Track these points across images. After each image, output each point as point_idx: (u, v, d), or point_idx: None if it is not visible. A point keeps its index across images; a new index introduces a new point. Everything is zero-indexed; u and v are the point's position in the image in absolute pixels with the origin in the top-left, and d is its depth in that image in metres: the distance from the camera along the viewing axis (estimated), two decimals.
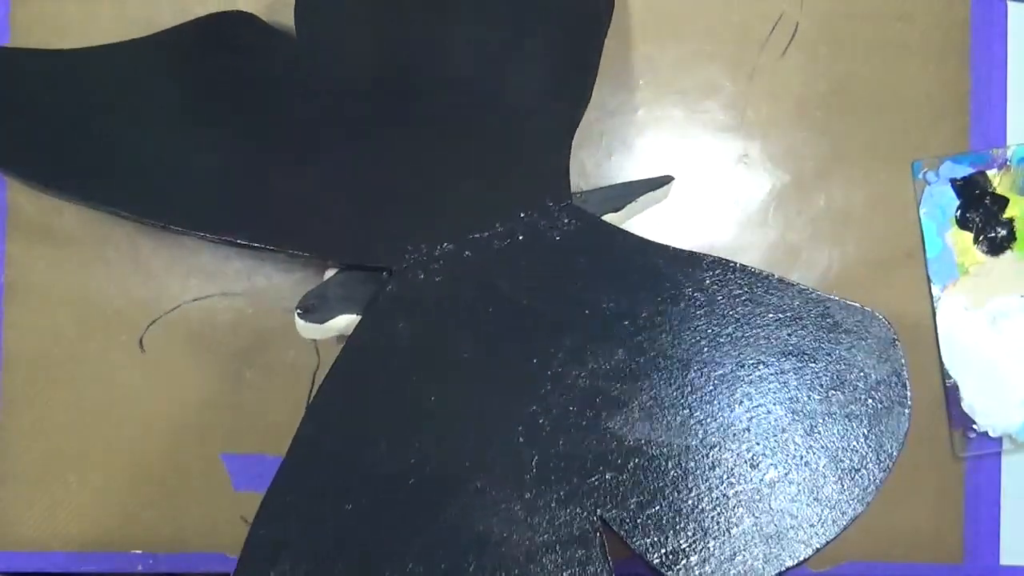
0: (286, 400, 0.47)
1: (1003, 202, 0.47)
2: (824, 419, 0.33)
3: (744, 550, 0.30)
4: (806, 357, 0.34)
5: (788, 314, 0.35)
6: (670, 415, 0.32)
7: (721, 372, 0.33)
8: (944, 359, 0.46)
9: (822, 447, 0.32)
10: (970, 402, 0.46)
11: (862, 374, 0.34)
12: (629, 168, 0.46)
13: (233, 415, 0.47)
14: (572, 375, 0.33)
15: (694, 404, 0.33)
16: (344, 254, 0.35)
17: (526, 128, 0.39)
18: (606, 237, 0.37)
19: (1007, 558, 0.47)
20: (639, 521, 0.31)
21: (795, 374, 0.34)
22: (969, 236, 0.47)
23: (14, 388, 0.47)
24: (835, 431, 0.33)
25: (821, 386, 0.34)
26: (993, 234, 0.46)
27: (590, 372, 0.33)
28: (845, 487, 0.32)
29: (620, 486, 0.31)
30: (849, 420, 0.33)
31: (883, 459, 0.33)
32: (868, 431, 0.33)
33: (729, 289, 0.35)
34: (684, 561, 0.30)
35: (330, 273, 0.36)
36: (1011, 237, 0.46)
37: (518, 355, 0.33)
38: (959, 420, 0.46)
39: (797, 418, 0.33)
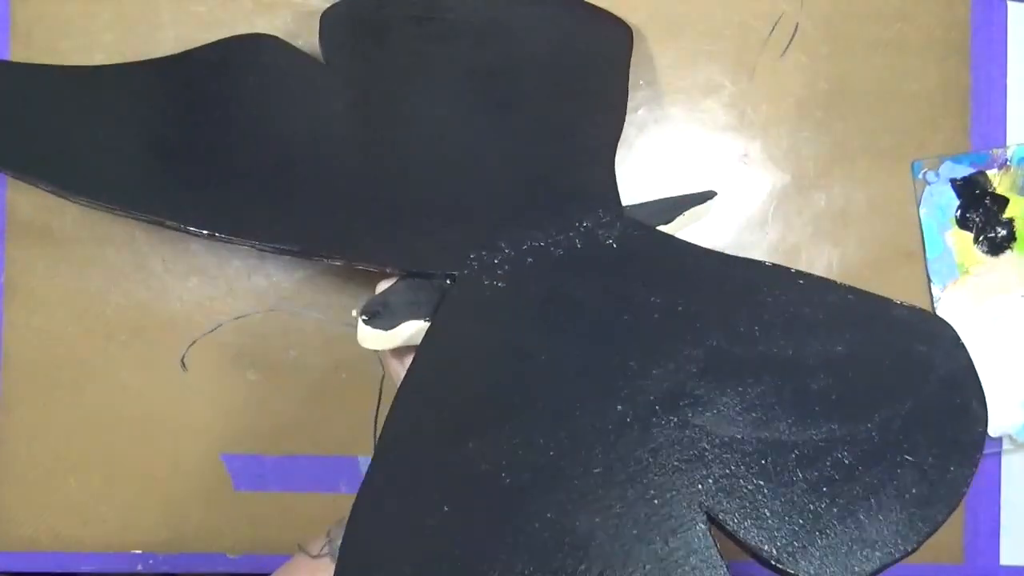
0: (286, 400, 0.47)
1: (1003, 202, 0.47)
2: (906, 421, 0.33)
3: (846, 550, 0.30)
4: (881, 359, 0.34)
5: (852, 316, 0.35)
6: (757, 413, 0.32)
7: (800, 371, 0.33)
8: None
9: (908, 453, 0.32)
10: None
11: (937, 374, 0.34)
12: (630, 168, 0.46)
13: (233, 415, 0.47)
14: (652, 375, 0.33)
15: (778, 403, 0.33)
16: (407, 262, 0.35)
17: (575, 144, 0.41)
18: (661, 243, 0.38)
19: (1007, 558, 0.47)
20: (747, 515, 0.31)
21: (874, 375, 0.34)
22: (969, 236, 0.47)
23: (14, 388, 0.47)
24: (920, 437, 0.32)
25: (903, 387, 0.33)
26: (993, 234, 0.46)
27: (670, 372, 0.33)
28: (933, 492, 0.31)
29: (719, 480, 0.31)
30: (929, 425, 0.33)
31: (965, 463, 0.32)
32: (949, 433, 0.33)
33: (792, 290, 0.36)
34: (797, 556, 0.30)
35: (386, 283, 0.35)
36: (1011, 237, 0.46)
37: (595, 356, 0.34)
38: None
39: (881, 419, 0.32)
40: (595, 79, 0.43)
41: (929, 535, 0.30)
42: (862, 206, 0.47)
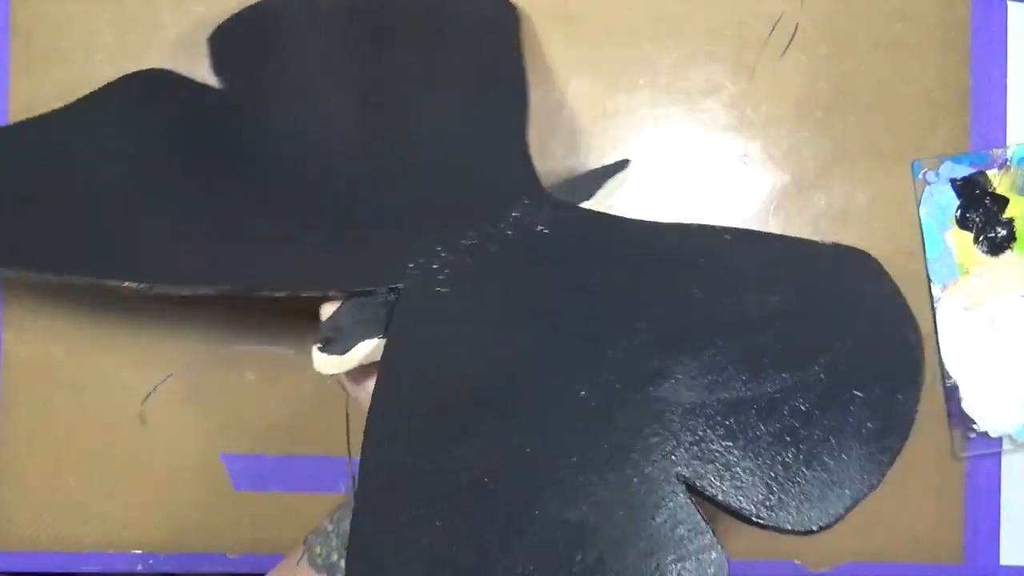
0: (286, 400, 0.47)
1: (1003, 202, 0.47)
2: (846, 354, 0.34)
3: (819, 494, 0.31)
4: (815, 301, 0.35)
5: (781, 264, 0.36)
6: (712, 375, 0.33)
7: (744, 328, 0.34)
8: (944, 359, 0.46)
9: (857, 389, 0.33)
10: (970, 402, 0.46)
11: (868, 308, 0.35)
12: (631, 167, 0.46)
13: (233, 415, 0.47)
14: (607, 356, 0.33)
15: (729, 363, 0.33)
16: (346, 283, 0.35)
17: (481, 133, 0.41)
18: (590, 221, 0.38)
19: (1007, 558, 0.47)
20: (721, 477, 0.31)
21: (812, 319, 0.34)
22: (969, 236, 0.47)
23: (14, 388, 0.47)
24: (865, 372, 0.33)
25: (840, 326, 0.34)
26: (993, 234, 0.46)
27: (623, 350, 0.33)
28: (886, 424, 0.33)
29: (690, 447, 0.31)
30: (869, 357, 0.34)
31: (909, 389, 0.33)
32: (890, 363, 0.34)
33: (722, 247, 0.36)
34: (775, 510, 0.31)
35: (331, 306, 0.35)
36: (1011, 237, 0.46)
37: (550, 346, 0.34)
38: (959, 420, 0.46)
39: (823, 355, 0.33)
40: (484, 59, 0.43)
41: (890, 466, 0.32)
42: (862, 206, 0.47)
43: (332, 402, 0.46)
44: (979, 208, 0.46)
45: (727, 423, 0.32)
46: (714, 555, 0.30)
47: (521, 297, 0.35)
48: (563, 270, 0.36)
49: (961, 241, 0.46)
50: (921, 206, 0.47)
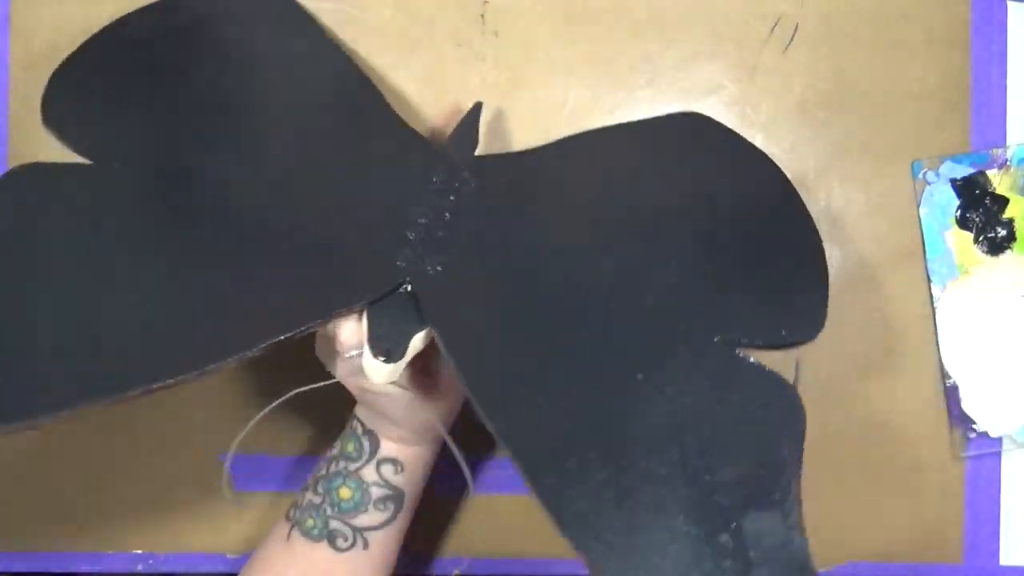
0: (286, 400, 0.47)
1: (1003, 202, 0.47)
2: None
3: (801, 309, 0.38)
4: (689, 175, 0.42)
5: (640, 149, 0.43)
6: (657, 256, 0.39)
7: (653, 216, 0.40)
8: (944, 359, 0.46)
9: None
10: (970, 402, 0.46)
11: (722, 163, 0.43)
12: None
13: (233, 415, 0.47)
14: (601, 265, 0.38)
15: (656, 248, 0.39)
16: (356, 298, 0.35)
17: (357, 123, 0.43)
18: (499, 164, 0.42)
19: (1007, 558, 0.47)
20: (746, 330, 0.36)
21: (695, 191, 0.41)
22: (969, 236, 0.47)
23: None
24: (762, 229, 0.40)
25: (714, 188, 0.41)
26: (993, 234, 0.46)
27: (604, 259, 0.38)
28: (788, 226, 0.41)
29: (708, 312, 0.37)
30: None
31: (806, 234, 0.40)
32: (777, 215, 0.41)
33: (602, 150, 0.44)
34: (791, 331, 0.37)
35: (348, 324, 0.35)
36: (1011, 237, 0.46)
37: (553, 279, 0.38)
38: (959, 420, 0.46)
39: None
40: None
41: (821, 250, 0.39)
42: (862, 206, 0.47)
43: (332, 402, 0.46)
44: (979, 208, 0.46)
45: (697, 278, 0.38)
46: (788, 391, 0.34)
47: (501, 249, 0.39)
48: (512, 216, 0.40)
49: (961, 241, 0.46)
50: (921, 206, 0.47)
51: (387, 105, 0.43)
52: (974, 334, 0.46)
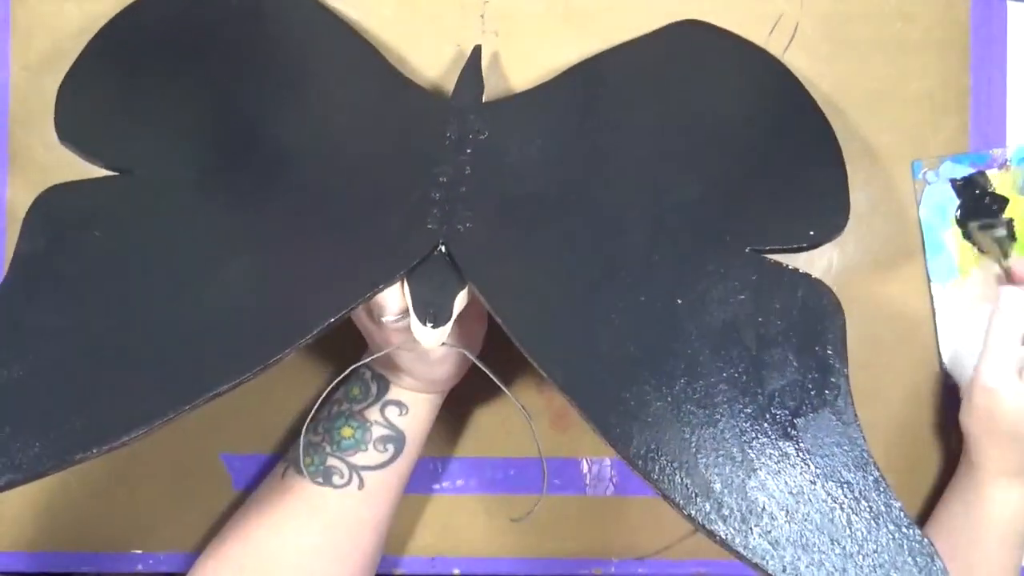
0: (286, 400, 0.47)
1: (1003, 202, 0.47)
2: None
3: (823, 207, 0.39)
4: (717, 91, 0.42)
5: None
6: (684, 170, 0.39)
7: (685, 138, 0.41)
8: (944, 359, 0.46)
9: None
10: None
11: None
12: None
13: (233, 415, 0.47)
14: (634, 190, 0.39)
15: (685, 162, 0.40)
16: (399, 267, 0.35)
17: (382, 103, 0.43)
18: (507, 106, 0.43)
19: None
20: (775, 236, 0.37)
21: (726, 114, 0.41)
22: (969, 235, 0.47)
23: None
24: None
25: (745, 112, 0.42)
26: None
27: (635, 181, 0.39)
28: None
29: (737, 221, 0.38)
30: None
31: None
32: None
33: (618, 66, 0.44)
34: (818, 231, 0.38)
35: (392, 292, 0.35)
36: (1011, 237, 0.46)
37: (583, 218, 0.38)
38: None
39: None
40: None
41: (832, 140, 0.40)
42: (862, 206, 0.47)
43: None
44: (979, 208, 0.46)
45: (732, 191, 0.39)
46: (823, 290, 0.35)
47: (534, 175, 0.39)
48: (526, 149, 0.40)
49: (961, 241, 0.46)
50: (921, 206, 0.47)
51: (391, 66, 0.43)
52: (974, 334, 0.46)
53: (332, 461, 0.40)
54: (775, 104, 0.42)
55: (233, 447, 0.47)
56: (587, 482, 0.48)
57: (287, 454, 0.42)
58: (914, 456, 0.47)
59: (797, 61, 0.46)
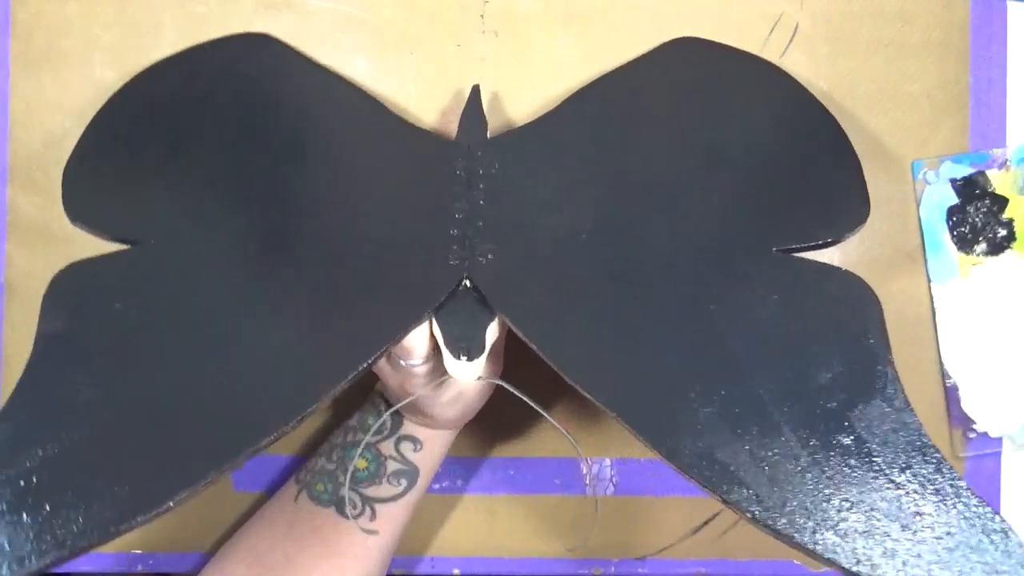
0: None
1: (1003, 202, 0.47)
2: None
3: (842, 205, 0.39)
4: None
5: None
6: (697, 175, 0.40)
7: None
8: (944, 359, 0.46)
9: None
10: (970, 402, 0.46)
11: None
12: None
13: None
14: (644, 210, 0.39)
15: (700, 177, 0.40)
16: (425, 306, 0.35)
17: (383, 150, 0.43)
18: (517, 138, 0.42)
19: None
20: (796, 236, 0.37)
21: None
22: (964, 238, 0.46)
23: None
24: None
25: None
26: (993, 234, 0.46)
27: (643, 200, 0.39)
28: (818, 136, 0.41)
29: (758, 225, 0.38)
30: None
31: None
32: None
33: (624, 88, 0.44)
34: (838, 229, 0.38)
35: (420, 331, 0.35)
36: (1011, 237, 0.46)
37: (605, 238, 0.38)
38: (959, 420, 0.46)
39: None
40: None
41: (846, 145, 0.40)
42: None
43: (332, 402, 0.46)
44: (979, 208, 0.46)
45: (749, 196, 0.39)
46: (856, 281, 0.36)
47: (550, 200, 0.39)
48: (538, 178, 0.40)
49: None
50: (921, 206, 0.47)
51: (393, 113, 0.44)
52: (974, 334, 0.46)
53: (344, 492, 0.40)
54: (780, 108, 0.42)
55: None
56: (587, 482, 0.48)
57: (299, 475, 0.42)
58: None
59: (797, 61, 0.47)
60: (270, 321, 0.36)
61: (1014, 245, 0.46)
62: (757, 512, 0.30)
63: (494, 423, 0.47)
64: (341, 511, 0.40)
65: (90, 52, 0.46)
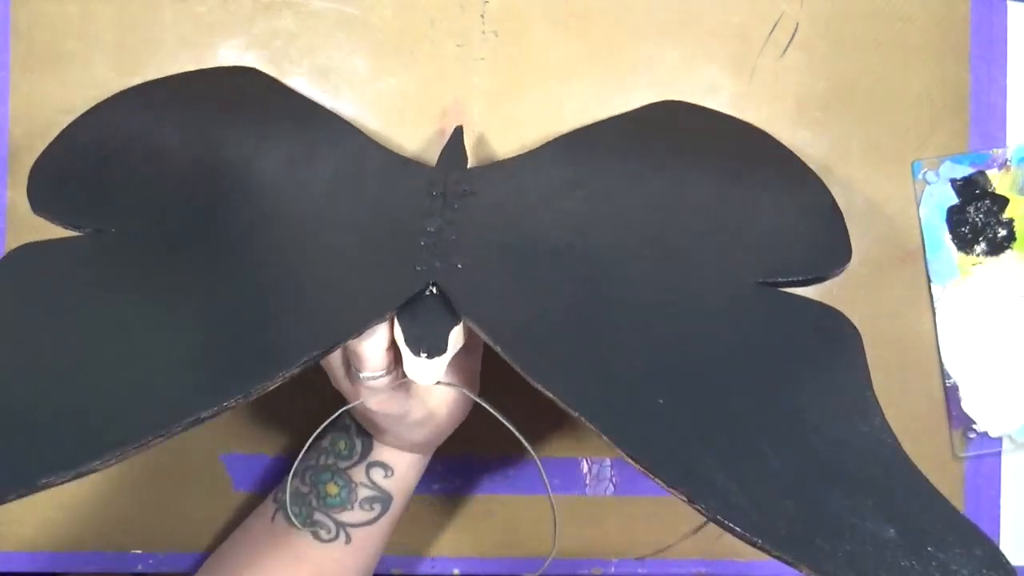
0: (287, 402, 0.47)
1: (1003, 202, 0.47)
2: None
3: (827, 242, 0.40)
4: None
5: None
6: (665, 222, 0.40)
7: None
8: (944, 359, 0.46)
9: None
10: (970, 402, 0.46)
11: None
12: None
13: (233, 415, 0.47)
14: (612, 246, 0.39)
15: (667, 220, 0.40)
16: (387, 305, 0.34)
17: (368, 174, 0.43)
18: (497, 171, 0.43)
19: (1007, 558, 0.47)
20: (784, 269, 0.38)
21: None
22: (964, 239, 0.46)
23: None
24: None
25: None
26: (993, 234, 0.46)
27: (610, 237, 0.39)
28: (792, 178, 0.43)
29: (745, 258, 0.38)
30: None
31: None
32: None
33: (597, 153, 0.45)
34: (821, 267, 0.39)
35: (378, 332, 0.34)
36: (1011, 237, 0.46)
37: (583, 260, 0.38)
38: (959, 420, 0.46)
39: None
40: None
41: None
42: (862, 206, 0.47)
43: (331, 403, 0.46)
44: (979, 208, 0.46)
45: (725, 231, 0.40)
46: (835, 314, 0.37)
47: (524, 221, 0.39)
48: (513, 201, 0.41)
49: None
50: (921, 206, 0.47)
51: (372, 140, 0.44)
52: (974, 334, 0.46)
53: (318, 516, 0.40)
54: (755, 160, 0.44)
55: (233, 448, 0.47)
56: (587, 482, 0.48)
57: (276, 494, 0.42)
58: (914, 456, 0.46)
59: (797, 61, 0.47)
60: (227, 302, 0.35)
61: (1014, 245, 0.46)
62: (748, 532, 0.30)
63: (494, 423, 0.47)
64: (316, 535, 0.40)
65: (90, 52, 0.46)
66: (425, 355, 0.33)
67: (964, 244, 0.47)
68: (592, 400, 0.31)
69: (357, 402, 0.36)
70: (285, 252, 0.38)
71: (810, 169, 0.43)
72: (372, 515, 0.40)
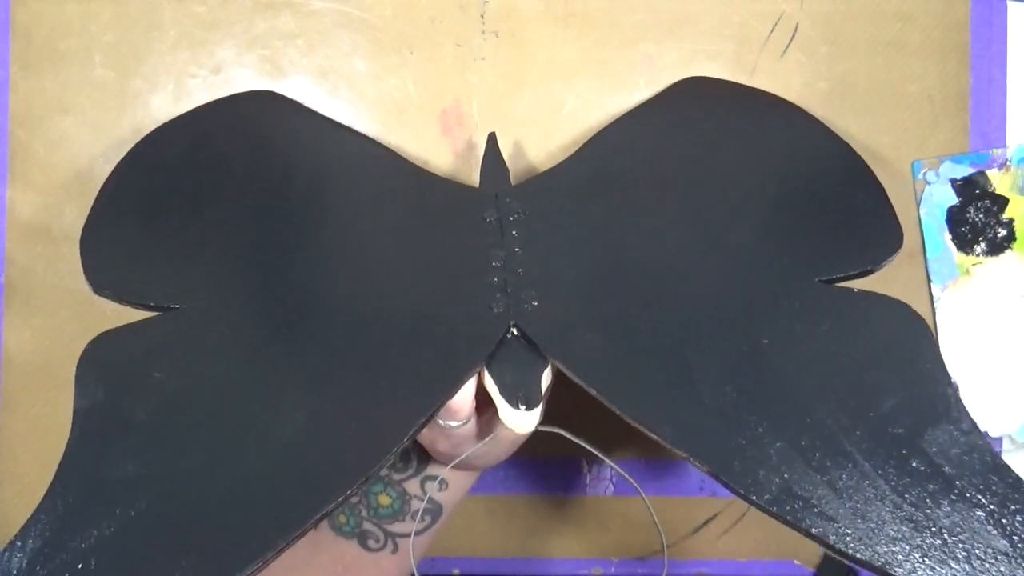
0: None
1: (1003, 202, 0.47)
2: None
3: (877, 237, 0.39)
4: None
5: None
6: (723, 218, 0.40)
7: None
8: (944, 359, 0.46)
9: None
10: (970, 402, 0.46)
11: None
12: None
13: None
14: (670, 244, 0.39)
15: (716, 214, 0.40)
16: (478, 356, 0.33)
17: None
18: (537, 186, 0.42)
19: None
20: (833, 264, 0.37)
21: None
22: (964, 239, 0.47)
23: (14, 388, 0.47)
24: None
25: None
26: (993, 234, 0.46)
27: (665, 237, 0.39)
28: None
29: (796, 252, 0.38)
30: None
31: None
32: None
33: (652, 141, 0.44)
34: (876, 259, 0.38)
35: (466, 388, 0.33)
36: (1011, 237, 0.46)
37: (645, 276, 0.38)
38: None
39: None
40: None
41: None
42: None
43: None
44: (979, 208, 0.47)
45: (783, 229, 0.39)
46: (903, 307, 0.35)
47: (584, 242, 0.39)
48: (568, 221, 0.40)
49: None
50: (921, 206, 0.47)
51: (410, 163, 0.43)
52: (974, 334, 0.46)
53: (368, 526, 0.40)
54: (801, 142, 0.43)
55: None
56: (587, 482, 0.48)
57: None
58: None
59: (797, 61, 0.47)
60: (314, 387, 0.34)
61: (1014, 245, 0.46)
62: (833, 541, 0.29)
63: None
64: (363, 543, 0.40)
65: (90, 52, 0.46)
66: (524, 407, 0.32)
67: (964, 244, 0.47)
68: (695, 440, 0.31)
69: (451, 464, 0.35)
70: (362, 318, 0.36)
71: (851, 150, 0.42)
72: (422, 526, 0.40)
